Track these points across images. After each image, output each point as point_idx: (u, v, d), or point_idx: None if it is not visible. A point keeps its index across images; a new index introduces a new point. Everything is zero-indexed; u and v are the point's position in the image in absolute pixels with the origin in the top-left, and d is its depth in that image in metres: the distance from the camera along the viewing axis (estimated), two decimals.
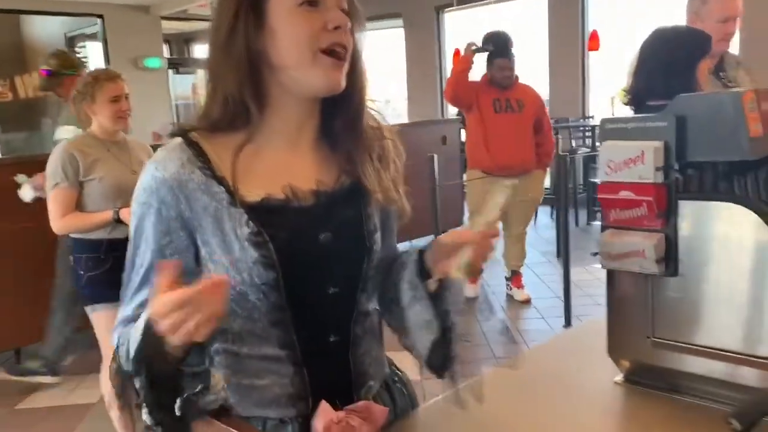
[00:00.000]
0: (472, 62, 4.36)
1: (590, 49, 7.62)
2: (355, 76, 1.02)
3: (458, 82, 4.35)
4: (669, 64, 1.71)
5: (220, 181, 0.96)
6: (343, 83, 0.98)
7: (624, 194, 1.05)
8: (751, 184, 1.07)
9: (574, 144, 7.48)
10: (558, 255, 5.72)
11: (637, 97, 1.78)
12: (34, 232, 3.82)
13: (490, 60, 4.35)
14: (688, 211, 1.03)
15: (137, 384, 0.88)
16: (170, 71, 9.85)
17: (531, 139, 4.43)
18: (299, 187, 1.00)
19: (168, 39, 9.97)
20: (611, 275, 1.14)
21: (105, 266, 2.51)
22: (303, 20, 0.94)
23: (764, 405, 0.80)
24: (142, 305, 0.95)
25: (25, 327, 3.98)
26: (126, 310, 0.98)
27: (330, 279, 0.98)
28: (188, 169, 0.95)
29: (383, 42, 9.86)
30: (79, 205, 2.52)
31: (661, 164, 1.02)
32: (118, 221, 2.45)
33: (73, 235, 2.57)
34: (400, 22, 9.75)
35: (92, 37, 9.31)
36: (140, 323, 0.86)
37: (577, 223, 6.84)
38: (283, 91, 0.99)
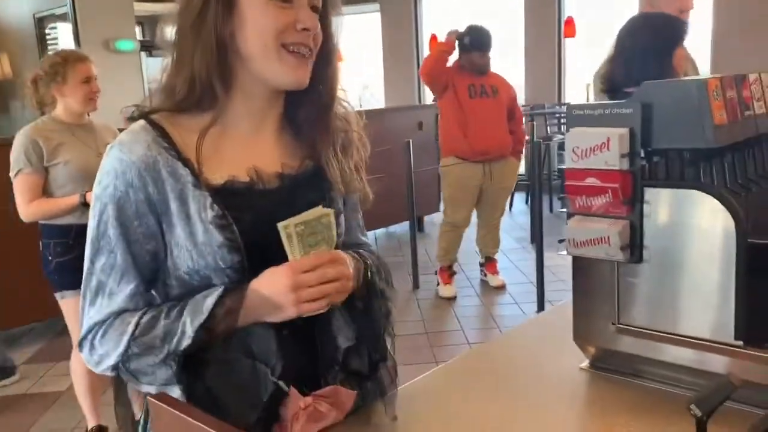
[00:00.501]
0: (454, 48, 4.34)
1: (566, 36, 7.64)
2: (327, 68, 1.03)
3: (437, 62, 4.30)
4: (646, 51, 1.72)
5: (185, 162, 0.95)
6: (307, 80, 0.99)
7: (590, 181, 1.05)
8: (716, 171, 1.08)
9: (549, 131, 7.52)
10: (532, 241, 5.77)
11: (613, 83, 1.78)
12: (8, 216, 3.77)
13: (467, 50, 4.32)
14: (654, 198, 1.04)
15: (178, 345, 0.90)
16: (143, 54, 9.67)
17: (506, 125, 4.42)
18: (263, 170, 1.00)
19: (141, 21, 9.79)
20: (577, 262, 1.14)
21: (74, 252, 2.47)
22: (273, 14, 0.95)
23: (724, 391, 0.81)
24: (132, 298, 0.95)
25: None
26: (112, 304, 0.95)
27: None
28: (154, 150, 0.94)
29: (360, 26, 9.78)
30: (45, 191, 2.47)
31: (627, 151, 1.02)
32: (86, 205, 2.40)
33: (41, 221, 2.52)
34: (377, 6, 9.67)
35: (62, 18, 9.09)
36: (209, 301, 0.91)
37: (551, 209, 6.89)
38: (249, 76, 0.99)
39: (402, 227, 5.00)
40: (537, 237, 4.33)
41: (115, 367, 0.94)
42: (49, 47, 9.48)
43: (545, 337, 1.40)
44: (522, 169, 7.60)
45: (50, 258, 2.51)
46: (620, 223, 1.04)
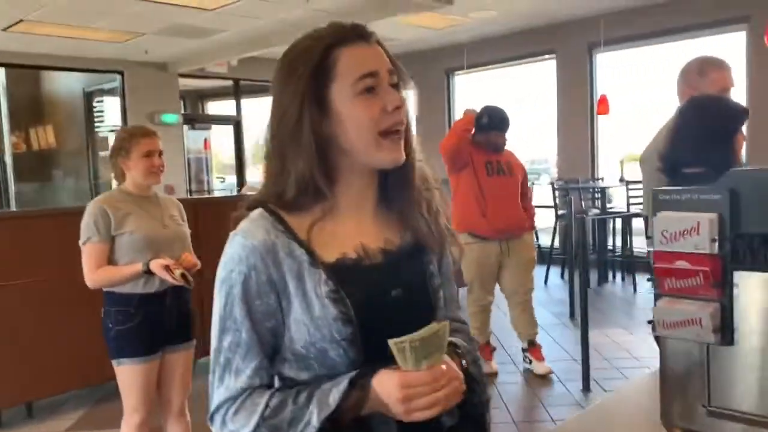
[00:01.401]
0: (473, 125, 4.37)
1: (599, 113, 7.77)
2: (407, 135, 1.09)
3: (461, 140, 4.31)
4: (706, 134, 1.76)
5: (301, 244, 1.02)
6: (404, 156, 1.06)
7: (679, 264, 1.08)
8: None
9: (584, 205, 7.55)
10: (571, 316, 5.70)
11: (671, 163, 1.82)
12: (54, 285, 3.88)
13: (485, 130, 4.36)
14: (743, 281, 1.06)
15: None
16: (185, 127, 10.04)
17: (519, 202, 4.45)
18: (369, 246, 1.06)
19: (182, 95, 10.22)
20: (664, 342, 1.16)
21: (135, 321, 2.53)
22: (364, 107, 1.02)
23: None
24: (257, 373, 1.00)
25: (39, 379, 3.97)
26: (239, 381, 1.00)
27: (402, 334, 1.00)
28: (273, 234, 1.01)
29: None
30: (110, 260, 2.55)
31: (716, 236, 1.05)
32: (148, 272, 2.48)
33: (105, 289, 2.59)
34: (411, 83, 9.95)
35: (110, 92, 9.55)
36: (336, 395, 0.94)
37: (588, 284, 6.82)
38: (350, 167, 1.06)
39: None
40: (581, 314, 4.29)
41: None
42: (95, 120, 9.92)
43: (621, 421, 1.39)
44: (556, 243, 7.65)
45: (111, 325, 2.56)
46: (711, 305, 1.06)
